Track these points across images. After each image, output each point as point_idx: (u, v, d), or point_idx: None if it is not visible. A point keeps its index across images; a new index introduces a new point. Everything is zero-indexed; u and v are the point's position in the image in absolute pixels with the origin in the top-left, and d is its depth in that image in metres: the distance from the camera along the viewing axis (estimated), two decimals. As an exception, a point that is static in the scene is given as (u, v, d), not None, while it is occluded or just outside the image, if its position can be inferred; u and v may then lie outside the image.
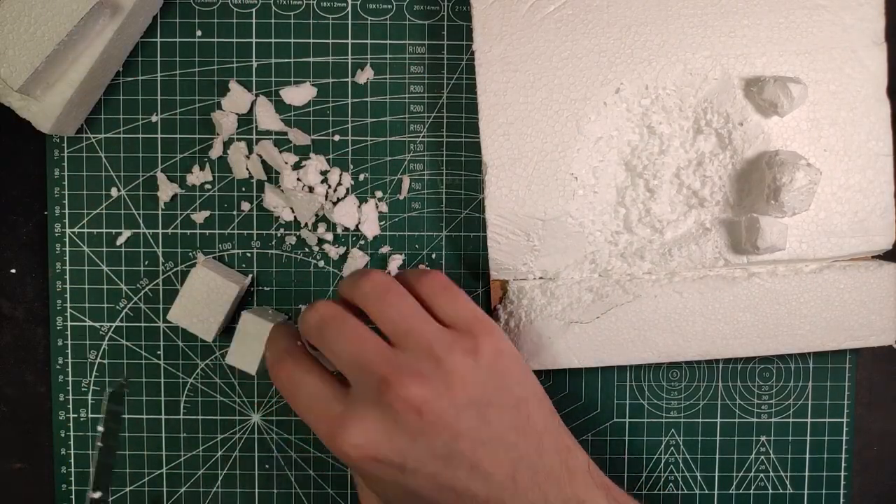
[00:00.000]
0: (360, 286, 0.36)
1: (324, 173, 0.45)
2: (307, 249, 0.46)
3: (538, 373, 0.47)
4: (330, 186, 0.45)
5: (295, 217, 0.45)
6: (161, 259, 0.46)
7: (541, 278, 0.44)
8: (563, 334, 0.43)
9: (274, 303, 0.46)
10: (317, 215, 0.45)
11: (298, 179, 0.45)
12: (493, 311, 0.45)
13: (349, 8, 0.45)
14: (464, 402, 0.34)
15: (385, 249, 0.46)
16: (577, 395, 0.47)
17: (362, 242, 0.46)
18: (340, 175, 0.46)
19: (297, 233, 0.46)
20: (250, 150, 0.45)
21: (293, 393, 0.36)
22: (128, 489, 0.46)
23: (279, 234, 0.46)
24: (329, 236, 0.46)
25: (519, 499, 0.34)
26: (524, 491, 0.34)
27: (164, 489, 0.46)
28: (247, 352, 0.43)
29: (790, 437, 0.47)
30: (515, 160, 0.42)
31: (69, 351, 0.46)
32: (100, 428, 0.38)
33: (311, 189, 0.45)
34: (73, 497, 0.46)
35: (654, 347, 0.43)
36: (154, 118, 0.45)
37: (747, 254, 0.43)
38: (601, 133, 0.43)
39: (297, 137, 0.45)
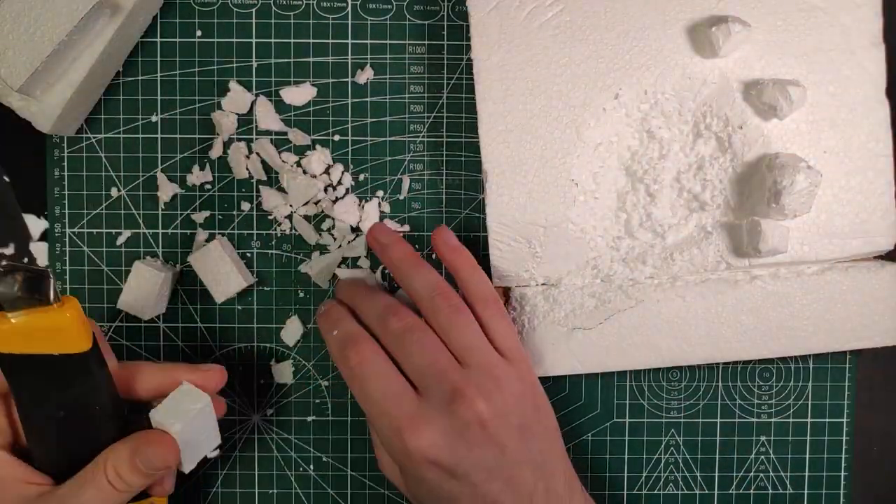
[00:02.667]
0: (436, 306, 0.39)
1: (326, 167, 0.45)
2: (307, 250, 0.46)
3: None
4: (331, 183, 0.45)
5: (293, 214, 0.45)
6: (161, 259, 0.46)
7: (543, 284, 0.44)
8: (567, 340, 0.43)
9: (274, 303, 0.46)
10: (316, 215, 0.45)
11: (300, 166, 0.45)
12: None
13: (349, 8, 0.45)
14: (514, 423, 0.38)
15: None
16: (578, 395, 0.47)
17: (362, 242, 0.46)
18: (342, 174, 0.45)
19: (295, 231, 0.46)
20: (250, 150, 0.45)
21: (365, 380, 0.38)
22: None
23: (279, 235, 0.46)
24: (329, 237, 0.46)
25: None
26: None
27: (165, 489, 0.46)
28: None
29: (790, 437, 0.47)
30: (516, 167, 0.42)
31: (69, 351, 0.46)
32: None
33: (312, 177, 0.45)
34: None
35: (658, 352, 0.43)
36: (154, 118, 0.45)
37: (749, 257, 0.43)
38: (601, 139, 0.43)
39: (297, 137, 0.45)
